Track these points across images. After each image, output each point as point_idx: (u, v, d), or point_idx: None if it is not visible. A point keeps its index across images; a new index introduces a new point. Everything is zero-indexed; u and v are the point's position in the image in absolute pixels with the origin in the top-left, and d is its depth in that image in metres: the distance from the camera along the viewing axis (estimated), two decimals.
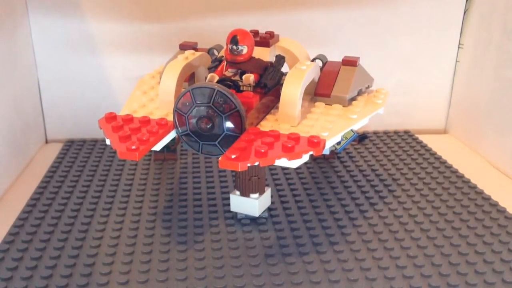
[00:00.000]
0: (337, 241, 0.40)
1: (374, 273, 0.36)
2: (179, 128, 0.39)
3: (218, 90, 0.36)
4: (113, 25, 0.62)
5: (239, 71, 0.42)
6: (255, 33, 0.47)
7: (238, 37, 0.40)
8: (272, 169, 0.54)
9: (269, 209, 0.45)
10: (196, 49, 0.49)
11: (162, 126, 0.39)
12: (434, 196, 0.48)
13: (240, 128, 0.37)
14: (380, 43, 0.66)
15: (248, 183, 0.42)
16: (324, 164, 0.56)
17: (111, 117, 0.40)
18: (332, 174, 0.53)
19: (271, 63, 0.44)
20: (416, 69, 0.68)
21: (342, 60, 0.47)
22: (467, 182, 0.52)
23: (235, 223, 0.43)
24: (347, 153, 0.59)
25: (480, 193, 0.49)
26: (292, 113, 0.39)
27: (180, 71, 0.42)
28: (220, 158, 0.34)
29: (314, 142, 0.36)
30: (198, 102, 0.37)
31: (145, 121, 0.39)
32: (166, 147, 0.52)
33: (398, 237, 0.41)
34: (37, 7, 0.60)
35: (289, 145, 0.35)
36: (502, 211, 0.46)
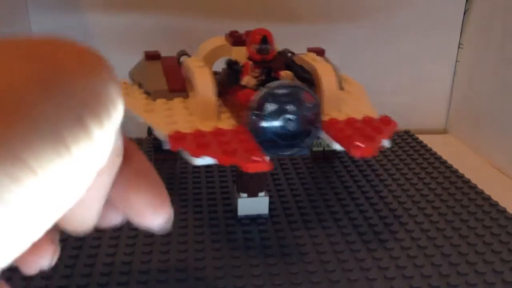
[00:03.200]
0: (337, 241, 0.40)
1: (374, 273, 0.36)
2: (256, 135, 0.36)
3: (301, 88, 0.36)
4: (114, 24, 0.62)
5: (265, 70, 0.41)
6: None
7: (267, 36, 0.41)
8: (273, 169, 0.54)
9: (269, 209, 0.45)
10: (159, 57, 0.48)
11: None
12: (434, 196, 0.48)
13: (319, 121, 0.38)
14: (380, 43, 0.66)
15: (256, 183, 0.42)
16: (324, 164, 0.56)
17: (182, 136, 0.36)
18: (332, 174, 0.53)
19: (285, 58, 0.44)
20: (416, 69, 0.68)
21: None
22: (467, 182, 0.52)
23: (235, 223, 0.43)
24: (347, 153, 0.59)
25: (480, 193, 0.49)
26: (337, 103, 0.42)
27: (212, 78, 0.40)
28: (357, 150, 0.35)
29: (390, 120, 0.40)
30: (283, 102, 0.36)
31: (221, 133, 0.37)
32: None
33: (398, 237, 0.41)
34: (37, 6, 0.60)
35: (380, 127, 0.38)
36: (502, 211, 0.46)
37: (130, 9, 0.62)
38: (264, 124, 0.36)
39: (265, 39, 0.40)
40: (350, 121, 0.39)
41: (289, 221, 0.44)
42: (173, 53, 0.50)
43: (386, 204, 0.47)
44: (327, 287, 0.35)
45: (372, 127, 0.38)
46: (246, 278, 0.36)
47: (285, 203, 0.47)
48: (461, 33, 0.67)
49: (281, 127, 0.36)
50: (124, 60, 0.63)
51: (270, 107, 0.36)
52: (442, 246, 0.40)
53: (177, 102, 0.42)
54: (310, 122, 0.37)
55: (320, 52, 0.48)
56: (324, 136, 0.39)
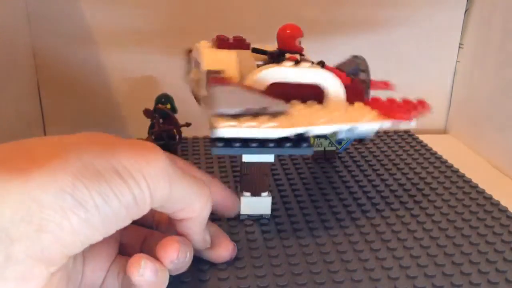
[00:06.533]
0: (340, 242, 0.40)
1: (378, 274, 0.36)
2: None
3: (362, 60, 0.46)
4: (115, 24, 0.61)
5: (295, 62, 0.43)
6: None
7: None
8: (274, 169, 0.54)
9: (271, 209, 0.45)
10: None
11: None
12: (436, 195, 0.48)
13: (368, 92, 0.45)
14: (380, 43, 0.66)
15: (259, 182, 0.42)
16: (325, 164, 0.56)
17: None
18: (334, 174, 0.53)
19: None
20: (416, 69, 0.68)
21: None
22: (468, 182, 0.52)
23: (237, 224, 0.43)
24: (348, 153, 0.59)
25: (481, 192, 0.49)
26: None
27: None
28: (398, 113, 0.41)
29: (424, 102, 0.46)
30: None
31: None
32: (167, 147, 0.52)
33: (401, 237, 0.41)
34: (37, 4, 0.60)
35: (420, 102, 0.45)
36: (503, 210, 0.46)
37: (133, 13, 0.61)
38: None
39: (301, 33, 0.45)
40: (391, 100, 0.45)
41: (292, 222, 0.44)
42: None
43: (388, 204, 0.47)
44: (331, 287, 0.35)
45: (412, 104, 0.45)
46: (250, 280, 0.36)
47: (287, 203, 0.47)
48: (461, 33, 0.67)
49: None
50: (122, 64, 0.63)
51: (363, 75, 0.45)
52: (445, 246, 0.40)
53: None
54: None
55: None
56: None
